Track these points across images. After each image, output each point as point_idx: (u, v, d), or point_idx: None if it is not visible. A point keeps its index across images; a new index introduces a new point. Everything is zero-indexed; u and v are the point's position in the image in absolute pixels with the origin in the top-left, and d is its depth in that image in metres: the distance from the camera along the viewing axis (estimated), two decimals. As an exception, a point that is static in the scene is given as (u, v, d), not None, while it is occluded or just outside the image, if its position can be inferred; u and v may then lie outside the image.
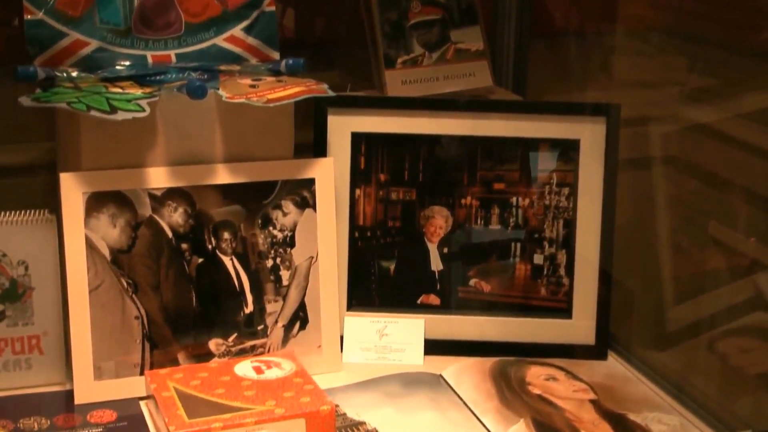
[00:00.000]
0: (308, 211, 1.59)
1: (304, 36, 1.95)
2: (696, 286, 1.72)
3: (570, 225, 1.68)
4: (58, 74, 1.54)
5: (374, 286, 1.69)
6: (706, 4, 1.76)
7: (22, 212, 1.50)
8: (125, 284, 1.51)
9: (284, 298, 1.58)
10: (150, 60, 1.61)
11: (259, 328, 1.58)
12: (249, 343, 1.57)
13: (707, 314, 1.68)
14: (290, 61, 1.65)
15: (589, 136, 1.68)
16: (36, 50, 1.55)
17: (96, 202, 1.49)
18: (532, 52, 2.05)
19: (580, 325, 1.67)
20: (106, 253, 1.50)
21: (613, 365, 1.66)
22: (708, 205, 1.73)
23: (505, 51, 2.04)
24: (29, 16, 1.55)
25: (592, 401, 1.53)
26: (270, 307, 1.58)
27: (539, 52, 2.06)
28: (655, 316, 1.74)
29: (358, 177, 1.68)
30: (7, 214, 1.50)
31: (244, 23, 1.65)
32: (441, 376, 1.59)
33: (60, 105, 1.44)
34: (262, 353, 1.57)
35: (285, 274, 1.58)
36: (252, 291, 1.57)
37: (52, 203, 1.54)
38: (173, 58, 1.62)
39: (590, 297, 1.67)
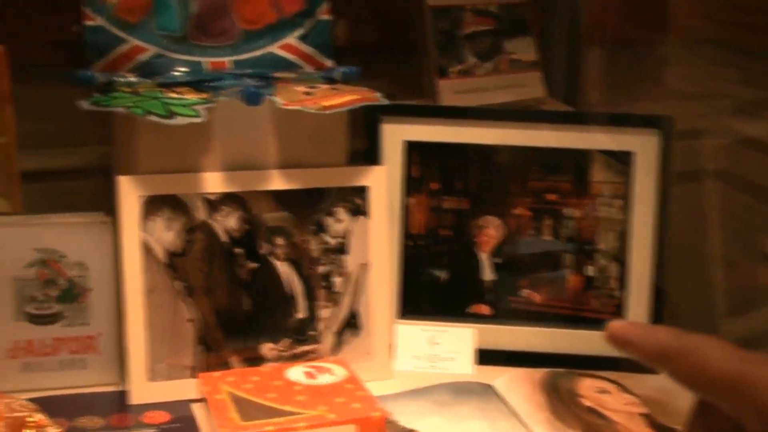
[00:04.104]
0: (361, 218, 1.60)
1: (356, 44, 1.95)
2: (748, 301, 1.71)
3: (623, 237, 1.68)
4: (117, 79, 1.55)
5: (425, 295, 1.69)
6: (759, 17, 1.75)
7: (81, 214, 1.52)
8: (179, 287, 1.52)
9: (336, 304, 1.59)
10: (206, 66, 1.62)
11: (311, 333, 1.58)
12: (301, 349, 1.58)
13: (759, 329, 1.67)
14: (345, 69, 1.66)
15: (643, 148, 1.67)
16: (95, 56, 1.57)
17: (152, 206, 1.50)
18: (585, 63, 2.05)
19: (631, 338, 1.67)
20: (162, 256, 1.51)
21: (665, 379, 1.62)
22: (760, 219, 1.73)
23: (558, 62, 2.04)
24: (89, 22, 1.57)
25: (643, 415, 1.52)
26: (322, 313, 1.59)
27: (592, 63, 2.05)
28: (706, 330, 1.73)
29: (410, 185, 1.68)
30: (66, 215, 1.51)
31: (300, 31, 1.66)
32: (491, 385, 1.59)
33: (118, 109, 1.45)
34: (313, 359, 1.58)
35: (337, 281, 1.59)
36: (304, 297, 1.58)
37: (104, 206, 1.55)
38: (229, 65, 1.63)
39: (642, 310, 1.67)
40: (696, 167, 1.90)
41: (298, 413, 1.39)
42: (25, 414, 1.23)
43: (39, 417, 1.24)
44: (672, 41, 1.96)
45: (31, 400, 1.28)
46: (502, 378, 1.60)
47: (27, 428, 1.22)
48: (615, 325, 0.87)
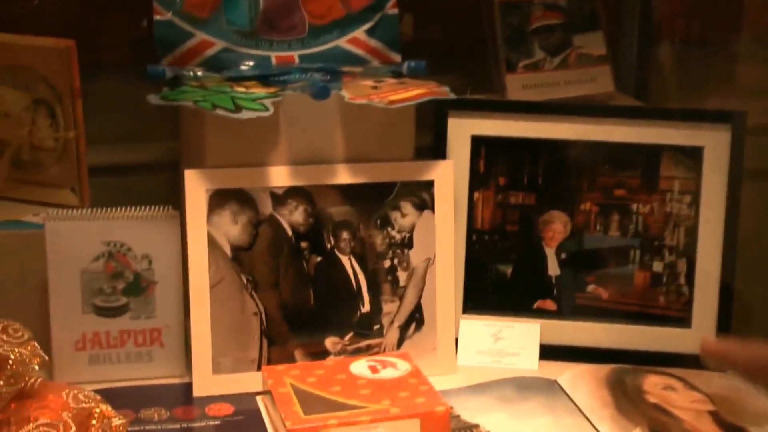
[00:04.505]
0: (427, 213, 1.59)
1: (423, 39, 1.95)
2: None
3: (691, 234, 1.65)
4: (185, 74, 1.57)
5: (490, 290, 1.68)
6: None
7: (147, 208, 1.53)
8: (245, 281, 1.53)
9: (401, 298, 1.59)
10: (274, 61, 1.63)
11: (375, 327, 1.59)
12: (365, 343, 1.58)
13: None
14: (412, 64, 1.66)
15: (713, 143, 1.65)
16: (164, 50, 1.59)
17: (219, 200, 1.51)
18: (655, 58, 2.02)
19: (699, 336, 1.64)
20: (228, 249, 1.52)
21: (732, 377, 1.62)
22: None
23: (628, 56, 2.02)
24: (158, 17, 1.58)
25: (710, 413, 1.50)
26: (386, 308, 1.59)
27: (662, 58, 2.03)
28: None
29: (477, 180, 1.67)
30: (133, 209, 1.53)
31: (367, 25, 1.67)
32: (556, 381, 1.58)
33: (186, 103, 1.47)
34: (377, 353, 1.58)
35: (402, 275, 1.59)
36: (369, 291, 1.58)
37: (171, 201, 1.57)
38: (297, 59, 1.64)
39: (711, 307, 1.64)
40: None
41: (362, 407, 1.39)
42: (91, 405, 1.24)
43: (104, 408, 1.25)
44: (745, 37, 1.93)
45: (98, 391, 1.29)
46: (567, 374, 1.59)
47: (93, 419, 1.23)
48: (709, 339, 0.86)
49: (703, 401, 1.53)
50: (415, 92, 1.54)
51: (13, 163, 1.65)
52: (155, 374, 1.55)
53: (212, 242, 1.51)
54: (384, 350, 1.58)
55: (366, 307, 1.58)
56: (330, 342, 1.57)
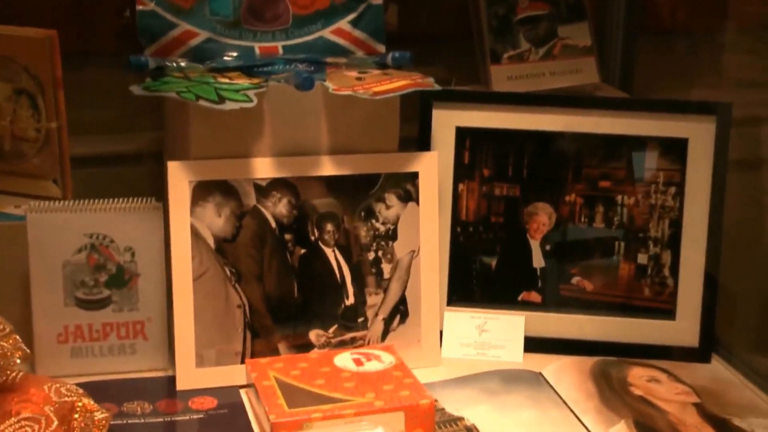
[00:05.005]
0: (411, 204, 1.59)
1: (409, 30, 1.95)
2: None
3: (676, 225, 1.65)
4: (168, 64, 1.56)
5: (475, 282, 1.68)
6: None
7: (130, 200, 1.52)
8: (229, 273, 1.52)
9: (385, 291, 1.59)
10: (257, 51, 1.62)
11: (360, 320, 1.58)
12: (349, 335, 1.58)
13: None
14: (397, 55, 1.65)
15: (698, 135, 1.65)
16: (147, 40, 1.58)
17: (202, 191, 1.51)
18: (641, 49, 2.02)
19: (683, 327, 1.65)
20: (211, 241, 1.51)
21: (717, 369, 1.63)
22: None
23: (613, 48, 2.02)
24: (141, 7, 1.57)
25: (695, 404, 1.50)
26: (371, 300, 1.58)
27: (648, 50, 2.03)
28: (761, 319, 1.71)
29: (461, 172, 1.67)
30: (115, 201, 1.52)
31: (351, 16, 1.66)
32: (540, 374, 1.58)
33: (169, 94, 1.46)
34: (361, 345, 1.57)
35: (386, 267, 1.59)
36: (353, 283, 1.57)
37: (156, 192, 1.56)
38: (280, 50, 1.63)
39: (695, 299, 1.64)
40: (755, 155, 1.86)
41: (346, 400, 1.39)
42: (74, 399, 1.23)
43: (87, 401, 1.24)
44: (731, 28, 1.93)
45: (80, 385, 1.28)
46: (552, 366, 1.59)
47: (75, 413, 1.23)
48: None
49: (687, 393, 1.53)
50: (399, 83, 1.53)
51: (-6, 154, 1.64)
52: (138, 367, 1.55)
53: (195, 234, 1.50)
54: (368, 343, 1.58)
55: (350, 300, 1.57)
56: (314, 334, 1.56)
